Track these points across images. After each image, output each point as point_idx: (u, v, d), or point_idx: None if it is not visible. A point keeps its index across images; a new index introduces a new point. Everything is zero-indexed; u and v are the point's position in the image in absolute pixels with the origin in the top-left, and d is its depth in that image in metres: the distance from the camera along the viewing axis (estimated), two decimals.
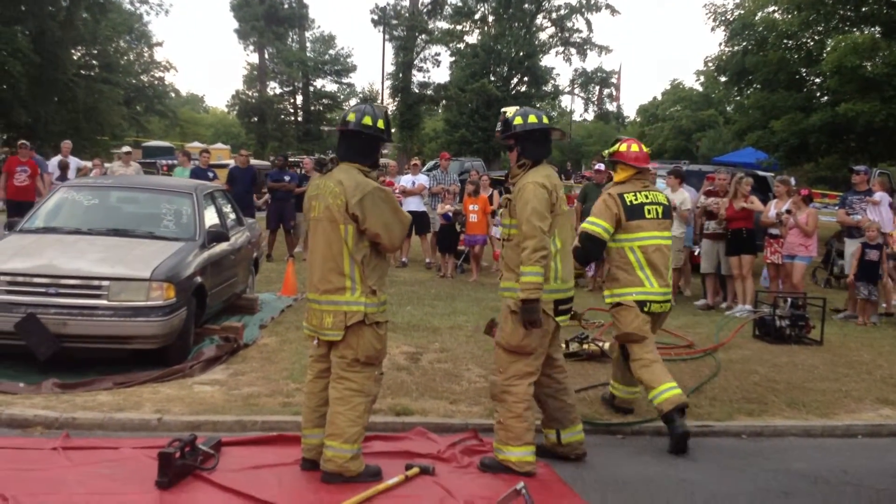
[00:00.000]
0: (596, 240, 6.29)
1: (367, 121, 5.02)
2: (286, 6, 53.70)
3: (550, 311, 5.21)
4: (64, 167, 15.70)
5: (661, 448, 6.02)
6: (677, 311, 11.33)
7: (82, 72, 45.42)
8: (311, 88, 57.33)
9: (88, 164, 17.35)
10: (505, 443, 5.23)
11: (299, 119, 56.67)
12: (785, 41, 20.41)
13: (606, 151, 6.82)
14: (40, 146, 29.91)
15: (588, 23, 50.06)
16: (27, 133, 34.89)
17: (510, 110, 5.53)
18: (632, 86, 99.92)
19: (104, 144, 43.42)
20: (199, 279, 8.01)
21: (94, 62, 48.88)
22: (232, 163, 17.66)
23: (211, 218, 9.25)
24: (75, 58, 44.86)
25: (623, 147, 6.57)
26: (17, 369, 7.09)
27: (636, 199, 6.36)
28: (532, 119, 5.38)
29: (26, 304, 6.95)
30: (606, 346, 8.19)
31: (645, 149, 6.61)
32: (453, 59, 51.90)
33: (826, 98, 19.93)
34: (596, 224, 6.30)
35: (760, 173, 16.94)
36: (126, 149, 16.67)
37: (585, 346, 8.27)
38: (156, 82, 62.73)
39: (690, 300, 12.35)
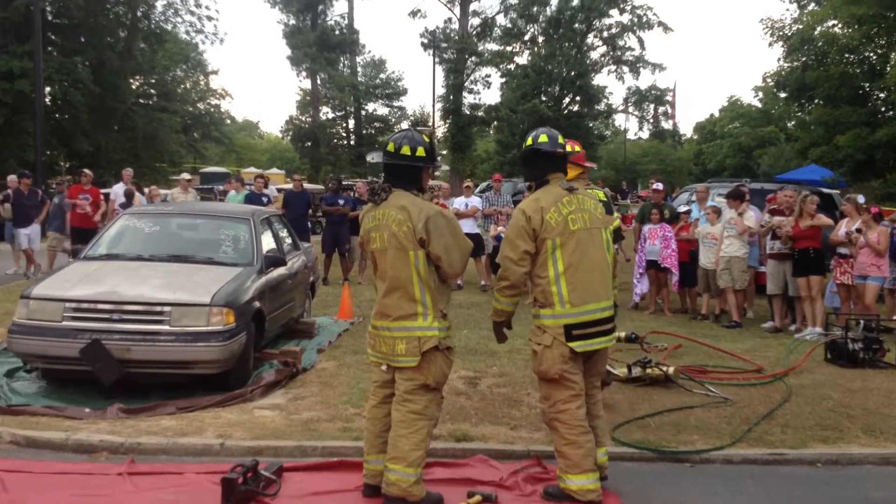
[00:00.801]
0: None
1: (406, 150, 4.97)
2: (337, 33, 54.47)
3: (560, 336, 5.01)
4: (129, 195, 16.00)
5: (732, 477, 5.83)
6: (744, 334, 11.11)
7: (141, 101, 46.49)
8: (363, 112, 57.94)
9: (146, 191, 17.71)
10: (564, 471, 5.06)
11: (352, 143, 57.22)
12: (846, 55, 20.02)
13: None
14: (101, 174, 30.62)
15: (640, 41, 49.57)
16: (89, 161, 35.73)
17: None
18: (687, 103, 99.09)
19: (163, 171, 44.37)
20: (257, 304, 8.05)
21: (152, 91, 50.00)
22: (272, 189, 17.71)
23: (268, 243, 9.30)
24: (134, 87, 45.96)
25: (569, 148, 6.74)
26: (82, 395, 7.21)
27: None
28: (527, 142, 5.39)
29: (91, 330, 7.05)
30: (671, 370, 8.03)
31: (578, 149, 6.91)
32: (504, 80, 51.82)
33: (892, 112, 19.46)
34: None
35: (825, 191, 16.54)
36: (186, 175, 16.95)
37: (649, 371, 8.07)
38: (212, 109, 64.01)
39: (756, 322, 12.05)
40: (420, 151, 4.98)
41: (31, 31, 27.41)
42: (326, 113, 57.36)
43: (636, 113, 53.74)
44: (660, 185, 13.98)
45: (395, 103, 60.91)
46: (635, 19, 48.78)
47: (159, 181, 37.42)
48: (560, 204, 5.10)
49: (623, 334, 9.97)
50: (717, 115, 69.06)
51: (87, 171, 16.76)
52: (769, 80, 23.33)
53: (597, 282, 5.15)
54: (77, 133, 37.01)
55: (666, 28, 48.95)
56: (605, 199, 6.88)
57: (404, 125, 58.98)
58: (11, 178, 16.89)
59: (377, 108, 59.77)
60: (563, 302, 5.03)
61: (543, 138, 5.32)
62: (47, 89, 34.23)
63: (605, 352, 5.36)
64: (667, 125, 54.26)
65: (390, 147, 5.02)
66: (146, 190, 17.85)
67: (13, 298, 11.02)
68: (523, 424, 6.65)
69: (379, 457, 5.04)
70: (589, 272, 5.10)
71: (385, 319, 4.91)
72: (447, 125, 51.14)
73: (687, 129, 73.01)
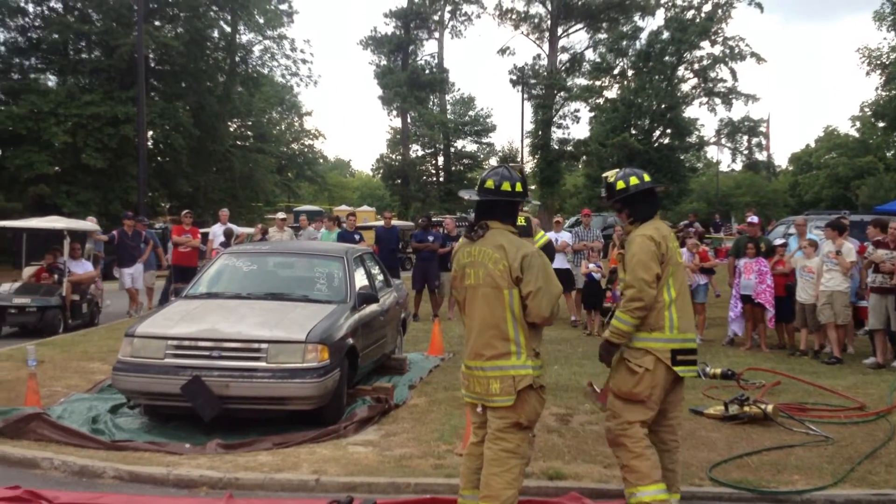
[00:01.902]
0: None
1: (506, 186, 5.00)
2: (428, 72, 55.26)
3: (667, 360, 5.16)
4: (229, 234, 16.54)
5: None
6: (845, 371, 10.73)
7: (238, 142, 48.00)
8: (452, 149, 58.37)
9: (246, 230, 18.31)
10: (634, 485, 5.10)
11: (441, 179, 57.71)
12: None
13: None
14: (200, 214, 31.70)
15: (732, 72, 48.86)
16: (189, 202, 37.05)
17: (611, 175, 5.60)
18: (782, 133, 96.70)
19: (258, 210, 45.61)
20: (350, 341, 8.18)
21: (248, 133, 51.60)
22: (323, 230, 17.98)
23: (360, 280, 9.46)
24: (231, 129, 47.51)
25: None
26: (183, 430, 7.42)
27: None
28: (633, 181, 5.45)
29: (192, 366, 7.27)
30: (769, 408, 7.81)
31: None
32: (593, 114, 51.74)
33: None
34: None
35: None
36: (281, 215, 17.48)
37: (746, 409, 7.86)
38: (305, 149, 65.60)
39: (857, 358, 11.61)
40: (518, 187, 5.04)
41: (134, 78, 28.76)
42: (416, 150, 58.08)
43: (729, 145, 52.89)
44: (755, 218, 13.70)
45: (484, 140, 61.21)
46: (727, 50, 48.18)
47: (255, 220, 38.53)
48: (671, 235, 5.39)
49: (719, 371, 9.77)
50: (812, 145, 67.38)
51: (188, 211, 17.42)
52: (867, 109, 22.71)
53: (690, 314, 5.42)
54: (178, 175, 38.43)
55: (759, 58, 48.17)
56: (525, 224, 8.09)
57: (493, 161, 59.31)
58: (91, 219, 17.80)
59: (466, 144, 60.21)
60: (673, 327, 5.22)
61: (647, 178, 5.49)
62: (150, 133, 35.63)
63: (682, 381, 5.45)
64: (761, 157, 53.17)
65: (490, 184, 5.03)
66: (244, 231, 18.43)
67: (116, 336, 11.50)
68: (617, 463, 6.54)
69: (474, 492, 5.02)
70: (688, 304, 5.41)
71: (479, 359, 4.91)
72: (536, 160, 51.20)
73: (782, 161, 71.39)
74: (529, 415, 4.86)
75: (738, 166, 57.86)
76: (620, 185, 5.46)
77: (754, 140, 51.77)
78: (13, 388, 8.87)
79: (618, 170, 5.63)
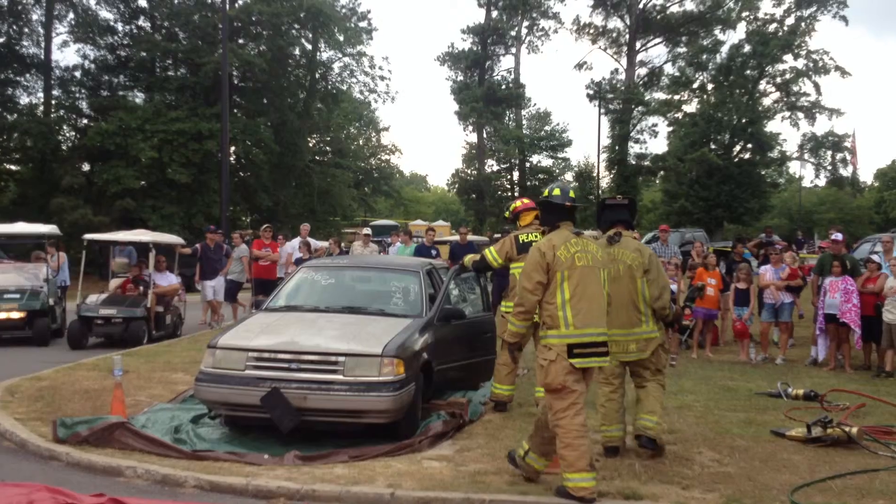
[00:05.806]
0: (485, 262, 9.20)
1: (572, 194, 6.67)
2: (504, 87, 55.32)
3: (563, 352, 5.98)
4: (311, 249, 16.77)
5: None
6: None
7: (317, 158, 48.80)
8: (528, 164, 58.27)
9: (323, 244, 18.51)
10: (564, 469, 5.91)
11: (516, 194, 57.58)
12: None
13: (507, 213, 9.79)
14: (280, 228, 32.27)
15: (816, 86, 47.69)
16: (268, 216, 37.80)
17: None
18: (868, 149, 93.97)
19: (336, 225, 46.30)
20: (425, 355, 8.21)
21: (327, 148, 52.45)
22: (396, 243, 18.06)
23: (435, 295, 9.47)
24: (310, 145, 48.31)
25: (519, 203, 9.62)
26: (261, 441, 7.51)
27: (527, 239, 8.86)
28: (545, 193, 6.47)
29: (271, 378, 7.38)
30: (854, 430, 7.57)
31: (526, 201, 9.64)
32: (671, 128, 51.10)
33: None
34: (491, 253, 9.08)
35: None
36: (367, 231, 17.64)
37: (830, 431, 7.64)
38: (382, 164, 66.25)
39: None
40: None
41: (218, 95, 29.55)
42: (491, 166, 58.12)
43: (812, 160, 51.55)
44: (839, 236, 13.26)
45: (560, 155, 60.98)
46: (810, 64, 47.08)
47: (332, 234, 39.08)
48: (568, 244, 6.16)
49: (802, 392, 9.52)
50: None
51: (268, 226, 17.73)
52: None
53: (596, 311, 6.17)
54: (258, 189, 39.24)
55: (843, 72, 46.92)
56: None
57: (568, 176, 59.04)
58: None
59: (541, 159, 60.02)
60: (568, 324, 6.03)
61: (556, 192, 6.40)
62: (232, 149, 36.46)
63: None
64: (845, 172, 51.61)
65: (570, 193, 6.45)
66: (323, 244, 18.64)
67: (198, 347, 11.76)
68: (695, 484, 6.42)
69: (619, 426, 7.08)
70: (590, 302, 6.12)
71: (620, 328, 6.86)
72: (612, 175, 50.76)
73: (867, 176, 69.32)
74: (663, 363, 7.30)
75: (822, 182, 56.42)
76: (545, 192, 6.47)
77: (839, 155, 50.31)
78: (98, 398, 9.16)
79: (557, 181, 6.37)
